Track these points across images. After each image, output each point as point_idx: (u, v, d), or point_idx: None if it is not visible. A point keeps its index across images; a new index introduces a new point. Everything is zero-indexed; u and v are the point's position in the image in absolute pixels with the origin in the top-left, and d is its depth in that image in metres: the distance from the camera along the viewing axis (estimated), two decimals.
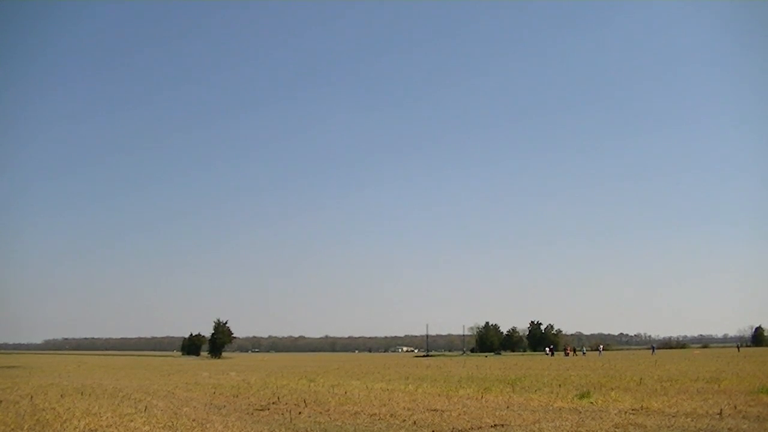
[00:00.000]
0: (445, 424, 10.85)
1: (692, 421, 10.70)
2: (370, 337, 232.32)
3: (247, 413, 12.93)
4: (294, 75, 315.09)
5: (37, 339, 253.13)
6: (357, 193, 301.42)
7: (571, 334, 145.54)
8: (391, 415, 12.02)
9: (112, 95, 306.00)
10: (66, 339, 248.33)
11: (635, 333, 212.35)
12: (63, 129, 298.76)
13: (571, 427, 10.22)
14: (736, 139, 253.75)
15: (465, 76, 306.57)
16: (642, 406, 13.00)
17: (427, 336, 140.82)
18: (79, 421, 11.28)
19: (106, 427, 10.69)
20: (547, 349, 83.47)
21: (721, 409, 11.98)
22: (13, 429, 10.64)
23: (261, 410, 13.41)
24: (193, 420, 11.62)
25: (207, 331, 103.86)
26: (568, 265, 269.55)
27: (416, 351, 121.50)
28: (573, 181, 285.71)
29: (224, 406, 14.33)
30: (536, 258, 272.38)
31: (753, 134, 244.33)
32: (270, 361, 69.12)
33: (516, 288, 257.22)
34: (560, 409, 12.83)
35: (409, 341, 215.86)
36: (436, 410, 12.81)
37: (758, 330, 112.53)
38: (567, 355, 74.39)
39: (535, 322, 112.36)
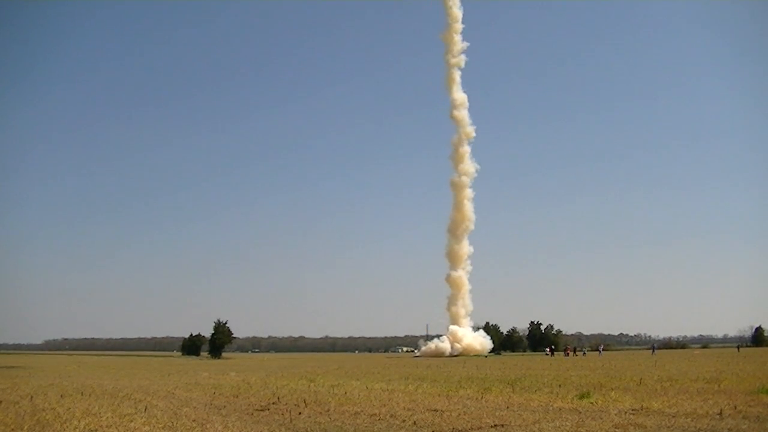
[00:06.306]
0: (445, 424, 10.86)
1: (692, 421, 10.70)
2: (370, 337, 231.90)
3: (247, 413, 12.94)
4: (297, 76, 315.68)
5: (37, 339, 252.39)
6: (357, 193, 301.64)
7: (571, 334, 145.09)
8: (391, 416, 12.03)
9: (112, 97, 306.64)
10: (66, 339, 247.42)
11: (635, 333, 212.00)
12: (63, 130, 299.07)
13: (571, 427, 10.23)
14: (735, 140, 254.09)
15: (468, 76, 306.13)
16: (642, 406, 13.01)
17: (428, 336, 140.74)
18: (79, 421, 11.28)
19: (106, 427, 10.69)
20: (547, 349, 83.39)
21: (721, 409, 11.98)
22: (13, 429, 10.64)
23: (261, 410, 13.42)
24: (193, 420, 11.62)
25: (207, 332, 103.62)
26: (568, 265, 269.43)
27: (416, 351, 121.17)
28: (573, 181, 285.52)
29: (224, 407, 14.33)
30: (536, 258, 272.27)
31: (752, 135, 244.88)
32: (270, 361, 69.13)
33: (516, 288, 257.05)
34: (560, 409, 12.83)
35: (409, 341, 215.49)
36: (436, 410, 12.81)
37: (758, 330, 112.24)
38: (567, 355, 74.37)
39: (535, 322, 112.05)
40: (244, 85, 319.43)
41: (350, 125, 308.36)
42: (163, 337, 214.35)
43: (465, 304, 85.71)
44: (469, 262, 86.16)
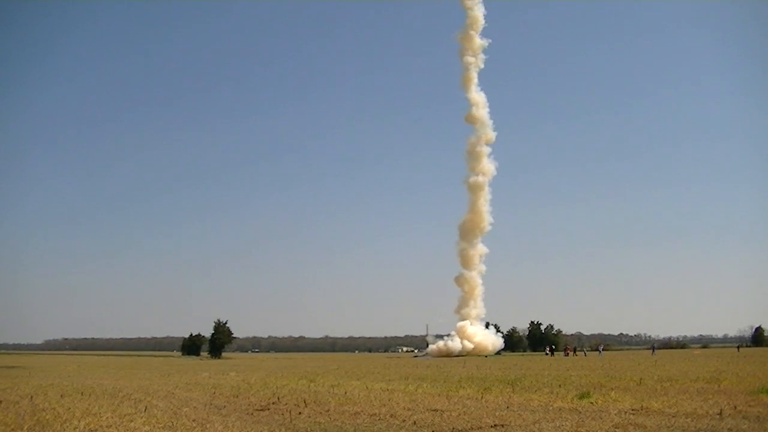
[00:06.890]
0: (445, 424, 10.86)
1: (692, 421, 10.71)
2: (370, 337, 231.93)
3: (247, 413, 12.94)
4: (297, 76, 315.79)
5: (37, 339, 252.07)
6: (357, 193, 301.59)
7: (571, 334, 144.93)
8: (391, 415, 12.03)
9: (112, 97, 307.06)
10: (66, 339, 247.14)
11: (635, 333, 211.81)
12: (63, 130, 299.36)
13: (571, 427, 10.23)
14: (735, 140, 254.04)
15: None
16: (642, 406, 13.01)
17: (429, 335, 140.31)
18: (79, 421, 11.29)
19: (106, 427, 10.70)
20: (547, 349, 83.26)
21: (721, 409, 11.99)
22: (13, 429, 10.65)
23: (261, 410, 13.42)
24: (193, 420, 11.63)
25: (207, 331, 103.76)
26: (569, 265, 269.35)
27: (416, 351, 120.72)
28: (572, 181, 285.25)
29: (224, 406, 14.34)
30: (536, 258, 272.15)
31: (752, 135, 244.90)
32: (270, 361, 69.12)
33: (516, 288, 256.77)
34: (560, 409, 12.83)
35: (409, 341, 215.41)
36: (436, 410, 12.82)
37: (758, 330, 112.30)
38: (567, 355, 74.38)
39: (535, 322, 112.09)
40: (244, 85, 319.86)
41: (349, 125, 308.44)
42: (163, 337, 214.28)
43: (477, 305, 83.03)
44: (482, 263, 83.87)
